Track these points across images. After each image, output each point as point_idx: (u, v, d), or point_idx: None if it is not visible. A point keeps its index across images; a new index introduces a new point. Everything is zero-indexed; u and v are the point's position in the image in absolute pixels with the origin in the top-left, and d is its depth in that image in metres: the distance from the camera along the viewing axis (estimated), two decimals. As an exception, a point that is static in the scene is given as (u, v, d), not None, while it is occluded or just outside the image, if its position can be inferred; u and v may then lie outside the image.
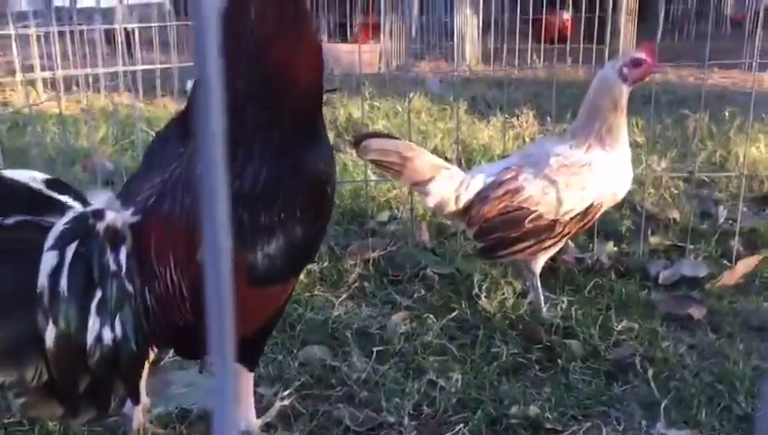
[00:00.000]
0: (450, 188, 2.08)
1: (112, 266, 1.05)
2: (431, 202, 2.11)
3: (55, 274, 0.99)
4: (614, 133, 2.02)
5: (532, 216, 2.01)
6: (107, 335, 1.03)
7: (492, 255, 2.10)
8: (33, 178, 1.04)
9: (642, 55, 1.98)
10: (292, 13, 1.26)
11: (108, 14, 7.92)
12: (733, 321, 2.03)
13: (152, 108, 5.39)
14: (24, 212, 1.03)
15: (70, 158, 3.63)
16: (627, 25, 7.59)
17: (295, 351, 1.94)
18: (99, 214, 1.09)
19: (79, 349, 1.01)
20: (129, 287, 1.07)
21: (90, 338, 1.01)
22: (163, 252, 1.11)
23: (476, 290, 2.20)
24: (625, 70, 1.99)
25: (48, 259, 0.99)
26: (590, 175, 2.01)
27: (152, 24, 5.86)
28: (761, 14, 2.75)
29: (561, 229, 2.03)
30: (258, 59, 1.32)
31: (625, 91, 2.00)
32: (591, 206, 2.02)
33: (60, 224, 1.03)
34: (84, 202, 1.12)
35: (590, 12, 7.69)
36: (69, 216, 1.05)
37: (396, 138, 2.18)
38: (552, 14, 8.26)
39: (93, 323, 1.02)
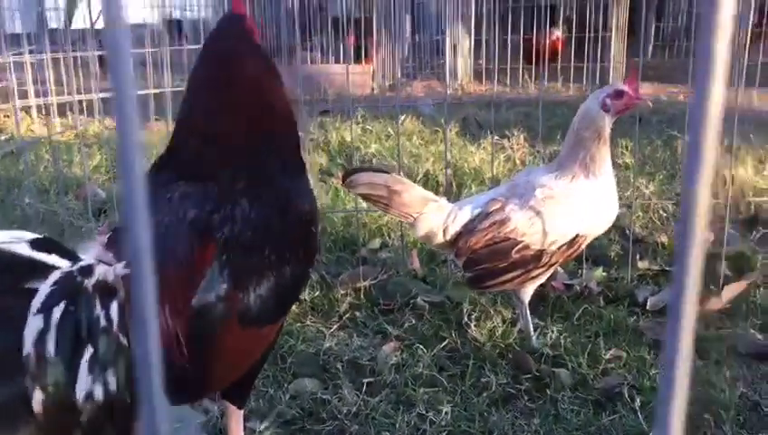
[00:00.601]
0: (438, 220, 2.10)
1: (103, 322, 1.07)
2: (420, 234, 2.13)
3: (41, 337, 1.00)
4: (598, 163, 2.05)
5: (519, 246, 2.04)
6: (98, 391, 1.05)
7: (480, 285, 2.12)
8: (17, 238, 1.06)
9: (624, 87, 2.02)
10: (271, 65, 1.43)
11: (101, 36, 7.97)
12: (719, 347, 2.06)
13: (146, 133, 5.41)
14: (8, 278, 1.05)
15: (63, 186, 3.65)
16: (617, 43, 7.66)
17: (286, 384, 1.96)
18: (87, 270, 1.11)
19: (69, 408, 1.02)
20: (123, 340, 1.09)
21: (80, 396, 1.03)
22: (158, 301, 1.14)
23: (466, 319, 2.22)
24: (607, 101, 2.03)
25: (33, 324, 1.01)
26: (575, 205, 2.04)
27: (145, 50, 5.89)
28: (747, 33, 2.80)
29: (547, 259, 2.05)
30: (244, 104, 1.38)
31: (608, 121, 2.04)
32: (577, 236, 2.05)
33: (45, 286, 1.05)
34: (73, 258, 1.13)
35: (581, 31, 7.81)
36: (55, 276, 1.07)
37: (384, 171, 2.20)
38: (542, 32, 8.34)
39: (83, 381, 1.03)
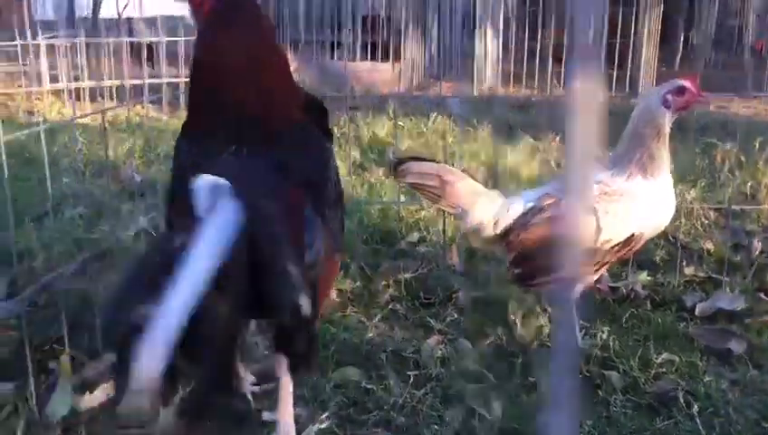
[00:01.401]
0: (489, 212, 2.06)
1: None
2: (469, 226, 2.09)
3: None
4: (656, 161, 2.00)
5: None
6: None
7: (529, 282, 2.08)
8: None
9: (687, 83, 1.96)
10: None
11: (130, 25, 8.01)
12: (774, 356, 2.00)
13: (176, 121, 5.41)
14: None
15: (98, 168, 3.65)
16: (648, 50, 7.58)
17: (330, 372, 1.92)
18: None
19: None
20: None
21: None
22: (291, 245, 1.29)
23: (512, 316, 2.17)
24: (669, 97, 1.97)
25: None
26: (632, 204, 1.99)
27: (180, 39, 5.89)
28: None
29: (600, 258, 2.01)
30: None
31: (668, 118, 1.99)
32: (633, 235, 2.00)
33: None
34: None
35: (611, 37, 7.73)
36: None
37: (435, 161, 2.17)
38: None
39: None
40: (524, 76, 7.72)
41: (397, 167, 2.09)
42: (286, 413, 1.62)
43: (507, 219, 2.05)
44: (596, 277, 2.09)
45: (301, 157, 1.48)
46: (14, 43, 5.85)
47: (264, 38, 1.58)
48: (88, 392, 1.74)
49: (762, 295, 2.38)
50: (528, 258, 2.03)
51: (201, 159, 1.42)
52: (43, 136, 2.17)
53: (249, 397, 1.83)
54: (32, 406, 1.68)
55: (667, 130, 1.99)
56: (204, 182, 1.11)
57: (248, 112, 1.48)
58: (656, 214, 2.01)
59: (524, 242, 2.01)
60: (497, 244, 2.12)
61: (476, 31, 8.22)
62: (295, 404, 1.70)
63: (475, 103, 6.05)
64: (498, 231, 2.07)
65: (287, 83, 1.59)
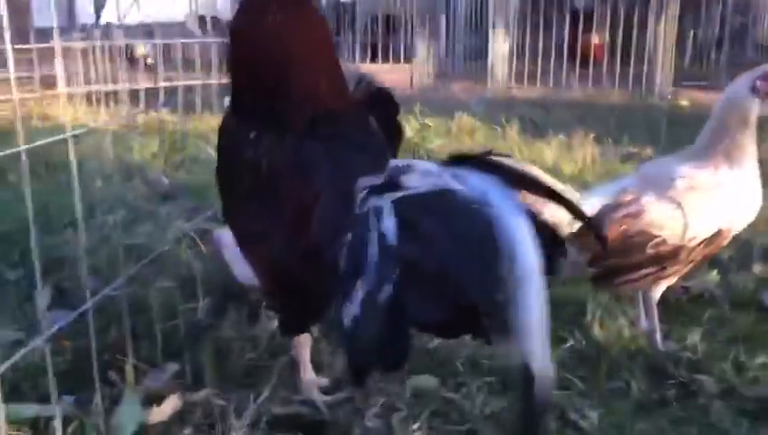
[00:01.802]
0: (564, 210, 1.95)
1: None
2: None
3: None
4: (743, 151, 1.89)
5: (656, 241, 1.88)
6: None
7: (607, 282, 1.97)
8: None
9: None
10: None
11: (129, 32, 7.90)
12: None
13: (197, 123, 5.29)
14: None
15: (124, 172, 3.54)
16: (664, 48, 7.50)
17: (405, 380, 1.81)
18: None
19: None
20: None
21: None
22: None
23: (589, 318, 2.06)
24: (758, 83, 1.87)
25: None
26: (720, 197, 1.88)
27: (195, 40, 5.78)
28: None
29: (686, 256, 1.90)
30: None
31: (756, 105, 1.88)
32: (720, 230, 1.89)
33: None
34: None
35: (625, 35, 7.66)
36: None
37: (504, 154, 2.06)
38: (586, 35, 8.20)
39: None
40: (539, 74, 7.64)
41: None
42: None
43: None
44: (680, 276, 1.98)
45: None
46: (27, 46, 5.75)
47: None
48: (155, 405, 1.63)
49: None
50: (606, 257, 1.92)
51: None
52: (71, 142, 2.06)
53: (320, 405, 1.73)
54: (97, 421, 1.56)
55: (755, 117, 1.88)
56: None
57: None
58: (746, 206, 1.91)
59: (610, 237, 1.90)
60: (573, 243, 2.01)
61: (489, 30, 8.14)
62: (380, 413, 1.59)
63: (497, 102, 5.96)
64: (574, 229, 1.96)
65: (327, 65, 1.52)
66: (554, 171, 3.64)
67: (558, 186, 1.09)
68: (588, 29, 8.25)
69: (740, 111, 1.88)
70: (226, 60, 1.54)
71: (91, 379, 1.57)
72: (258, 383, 1.79)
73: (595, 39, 8.37)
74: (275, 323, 2.03)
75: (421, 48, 8.45)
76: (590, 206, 1.95)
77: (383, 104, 1.62)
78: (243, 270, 2.09)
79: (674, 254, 1.90)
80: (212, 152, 4.12)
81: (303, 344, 1.76)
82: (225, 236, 2.22)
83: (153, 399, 1.66)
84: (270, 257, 1.46)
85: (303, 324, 1.68)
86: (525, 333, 0.97)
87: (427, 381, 1.81)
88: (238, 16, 1.51)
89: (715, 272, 2.39)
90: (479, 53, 8.81)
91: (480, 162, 1.11)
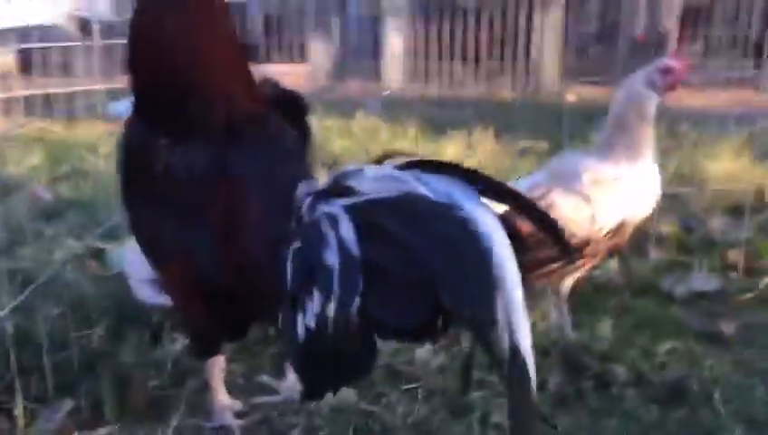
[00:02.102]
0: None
1: None
2: None
3: None
4: (643, 145, 1.95)
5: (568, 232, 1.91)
6: None
7: (522, 278, 1.97)
8: None
9: (672, 62, 1.93)
10: None
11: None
12: (764, 334, 2.00)
13: (76, 134, 4.97)
14: None
15: (1, 188, 3.26)
16: (550, 45, 7.78)
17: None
18: None
19: None
20: None
21: None
22: None
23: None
24: (654, 77, 1.93)
25: None
26: (623, 190, 1.93)
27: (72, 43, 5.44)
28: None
29: (593, 248, 1.94)
30: None
31: (654, 100, 1.94)
32: (624, 222, 1.94)
33: None
34: None
35: (514, 33, 7.89)
36: None
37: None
38: (474, 33, 8.35)
39: None
40: (431, 72, 7.74)
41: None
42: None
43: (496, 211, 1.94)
44: (589, 268, 2.02)
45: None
46: None
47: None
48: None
49: (731, 274, 2.40)
50: (520, 253, 1.92)
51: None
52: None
53: (236, 431, 1.63)
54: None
55: (653, 112, 1.94)
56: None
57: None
58: (644, 198, 1.96)
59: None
60: None
61: (382, 29, 8.16)
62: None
63: (390, 101, 5.96)
64: None
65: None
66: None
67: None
68: (478, 28, 8.43)
69: (638, 107, 1.93)
70: (128, 61, 1.40)
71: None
72: (165, 413, 1.67)
73: (483, 37, 8.54)
74: (179, 346, 1.91)
75: (315, 49, 8.36)
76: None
77: (292, 106, 1.54)
78: (147, 290, 1.96)
79: (583, 246, 1.93)
80: (100, 163, 3.90)
81: (217, 366, 1.65)
82: (126, 253, 2.07)
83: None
84: (191, 275, 1.35)
85: (219, 345, 1.58)
86: (513, 326, 0.99)
87: (345, 394, 1.74)
88: (142, 15, 1.38)
89: (615, 259, 2.47)
90: (373, 52, 8.83)
91: (425, 164, 1.09)
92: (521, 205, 1.09)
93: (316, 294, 1.09)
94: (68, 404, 1.63)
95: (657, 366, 1.85)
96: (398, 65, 8.21)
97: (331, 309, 1.06)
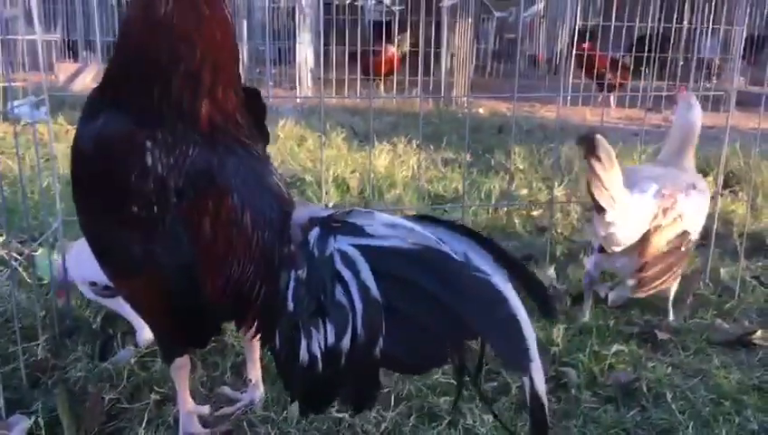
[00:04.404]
0: (645, 213, 2.03)
1: None
2: (616, 229, 1.99)
3: None
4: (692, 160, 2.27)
5: (689, 238, 2.11)
6: None
7: (647, 287, 2.09)
8: None
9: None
10: None
11: None
12: (697, 338, 2.14)
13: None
14: None
15: None
16: (457, 59, 7.99)
17: (288, 407, 1.71)
18: None
19: None
20: None
21: None
22: None
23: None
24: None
25: None
26: (706, 197, 2.19)
27: None
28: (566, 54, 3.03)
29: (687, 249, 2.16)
30: None
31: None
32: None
33: None
34: None
35: (418, 47, 8.05)
36: None
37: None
38: (379, 47, 8.44)
39: None
40: (340, 84, 7.77)
41: (588, 140, 1.89)
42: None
43: (645, 220, 2.02)
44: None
45: None
46: None
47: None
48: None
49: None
50: (654, 263, 2.05)
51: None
52: None
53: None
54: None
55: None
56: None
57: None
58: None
59: (658, 246, 2.04)
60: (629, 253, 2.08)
61: (297, 38, 8.10)
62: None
63: (306, 110, 5.93)
64: (638, 237, 2.04)
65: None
66: (389, 177, 3.70)
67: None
68: (389, 41, 8.53)
69: (694, 126, 2.23)
70: (116, 54, 1.31)
71: None
72: (126, 427, 1.59)
73: (391, 51, 8.62)
74: (132, 358, 1.82)
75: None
76: (647, 209, 2.04)
77: (252, 104, 1.48)
78: (92, 293, 1.86)
79: (690, 249, 2.16)
80: (9, 162, 3.63)
81: (183, 369, 1.55)
82: (70, 256, 1.95)
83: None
84: (159, 289, 1.29)
85: (185, 349, 1.51)
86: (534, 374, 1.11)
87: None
88: (136, 8, 1.30)
89: (552, 268, 2.57)
90: (285, 60, 8.76)
91: (433, 219, 1.19)
92: (511, 267, 1.15)
93: (329, 327, 1.15)
94: (23, 423, 1.51)
95: (607, 368, 1.95)
96: (310, 74, 8.17)
97: (348, 344, 1.13)
